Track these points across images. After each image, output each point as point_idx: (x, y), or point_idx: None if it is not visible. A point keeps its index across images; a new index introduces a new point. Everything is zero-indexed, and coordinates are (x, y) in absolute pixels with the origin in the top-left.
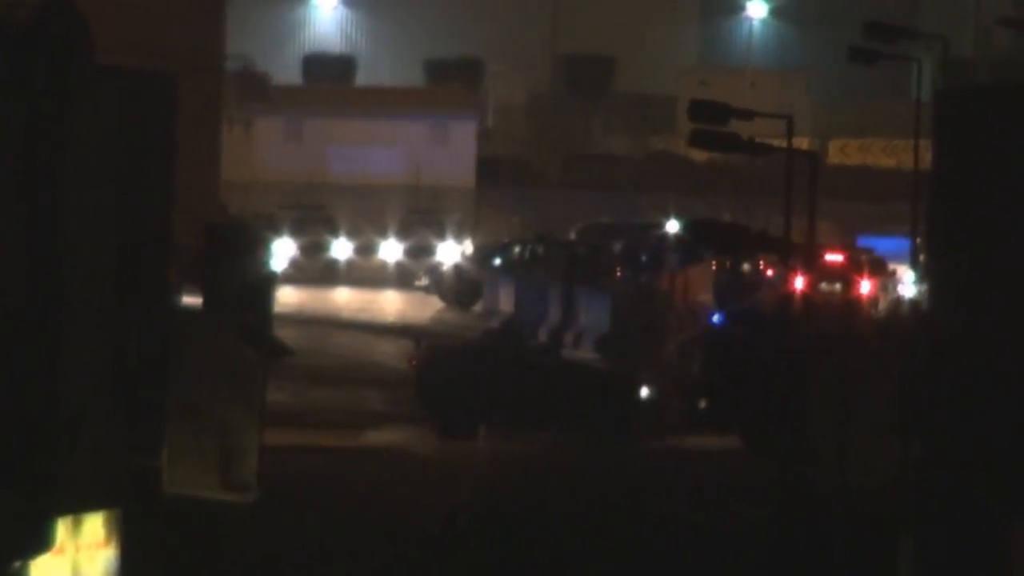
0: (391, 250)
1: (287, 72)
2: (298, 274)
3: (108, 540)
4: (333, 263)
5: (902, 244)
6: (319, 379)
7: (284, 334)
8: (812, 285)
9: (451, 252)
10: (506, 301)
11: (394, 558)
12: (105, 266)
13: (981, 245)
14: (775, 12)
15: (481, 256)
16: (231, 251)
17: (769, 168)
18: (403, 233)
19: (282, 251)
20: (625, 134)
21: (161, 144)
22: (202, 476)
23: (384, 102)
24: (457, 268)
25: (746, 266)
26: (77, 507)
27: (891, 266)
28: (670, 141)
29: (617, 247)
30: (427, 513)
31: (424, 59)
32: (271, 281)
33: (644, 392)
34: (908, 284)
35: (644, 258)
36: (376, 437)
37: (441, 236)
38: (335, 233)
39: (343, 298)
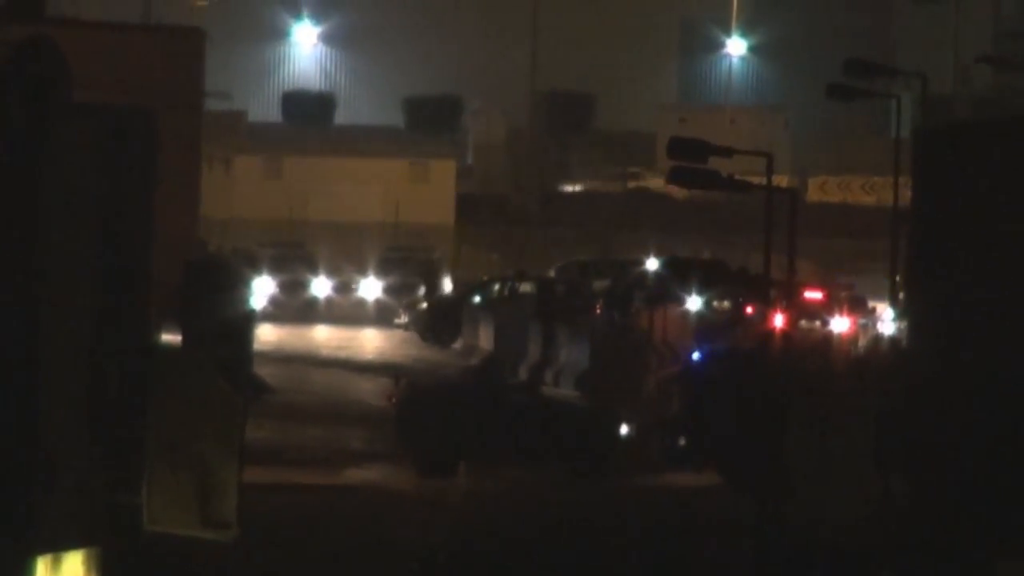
0: (370, 288)
1: (266, 110)
2: (277, 312)
3: None
4: (312, 301)
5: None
6: (299, 417)
7: (264, 372)
8: (791, 322)
9: (430, 290)
10: (485, 339)
11: None
12: (84, 303)
13: (960, 282)
14: (754, 49)
15: (460, 293)
16: (210, 288)
17: (748, 205)
18: (382, 271)
19: (262, 289)
20: (604, 171)
21: (140, 181)
22: (182, 514)
23: (364, 140)
24: (437, 306)
25: (725, 303)
26: (56, 545)
27: (871, 303)
28: (649, 178)
29: (597, 284)
30: (406, 551)
31: (403, 97)
32: (250, 319)
33: (624, 429)
34: (887, 321)
35: (624, 295)
36: (356, 475)
37: (421, 274)
38: (314, 271)
39: (322, 336)
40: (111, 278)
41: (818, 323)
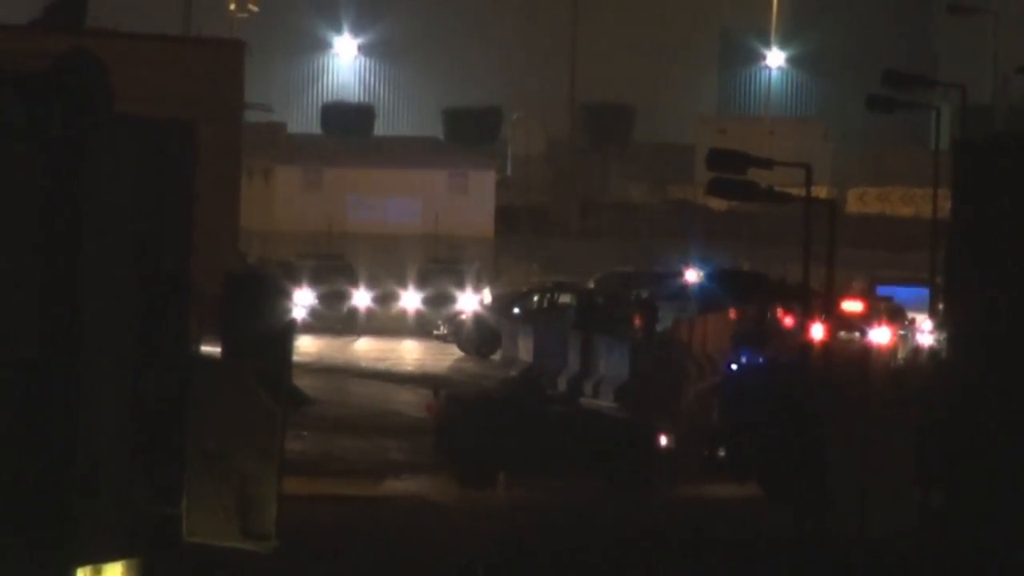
0: (410, 299)
1: (306, 121)
2: (317, 323)
3: None
4: (352, 312)
5: (921, 292)
6: (338, 428)
7: (303, 383)
8: (830, 333)
9: (470, 301)
10: (525, 350)
11: None
12: (124, 315)
13: (999, 293)
14: (793, 61)
15: (500, 305)
16: (250, 300)
17: (788, 216)
18: (422, 282)
19: (301, 300)
20: (644, 183)
21: (181, 193)
22: (222, 525)
23: (403, 152)
24: (476, 317)
25: (765, 315)
26: (97, 556)
27: (910, 314)
28: (688, 190)
29: (636, 295)
30: (446, 561)
31: (443, 108)
32: (290, 330)
33: (663, 440)
34: (927, 332)
35: (652, 306)
36: (395, 486)
37: (460, 285)
38: (354, 282)
39: (362, 347)
40: (151, 289)
41: (857, 334)
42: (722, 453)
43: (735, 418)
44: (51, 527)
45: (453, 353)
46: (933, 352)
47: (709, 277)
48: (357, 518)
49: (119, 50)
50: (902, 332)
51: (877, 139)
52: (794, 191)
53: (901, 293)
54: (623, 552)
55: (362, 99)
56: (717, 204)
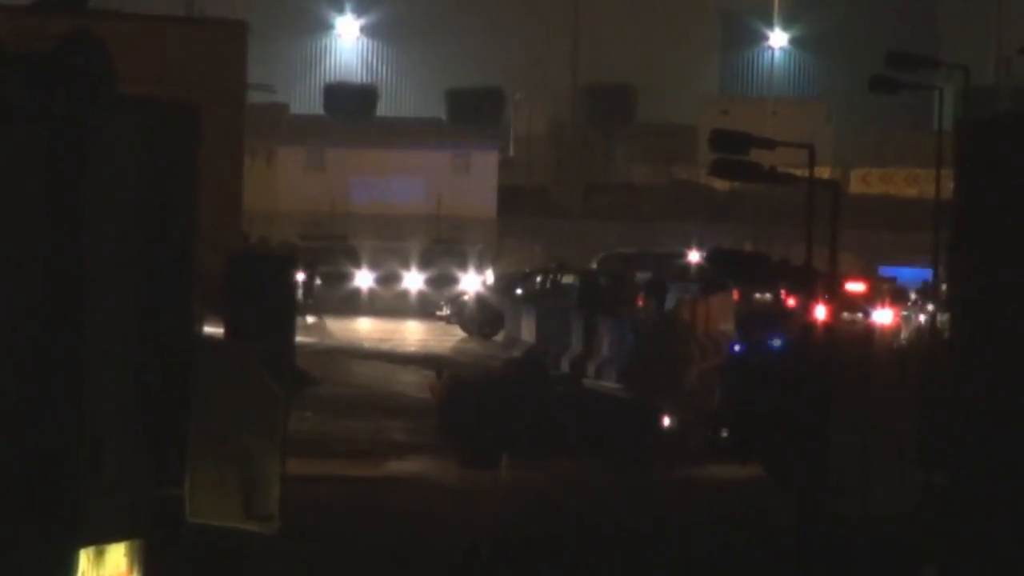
0: (413, 280)
1: (308, 102)
2: (320, 304)
3: (131, 570)
4: (355, 293)
5: (924, 273)
6: (341, 409)
7: (306, 364)
8: (833, 314)
9: (473, 282)
10: (528, 330)
11: None
12: (128, 296)
13: (1003, 274)
14: (796, 41)
15: (503, 286)
16: (253, 281)
17: (790, 197)
18: (425, 263)
19: (304, 281)
20: (646, 163)
21: (184, 174)
22: (224, 506)
23: (406, 132)
24: (479, 298)
25: (767, 295)
26: (100, 537)
27: (913, 295)
28: (691, 170)
29: (639, 276)
30: (449, 542)
31: (445, 89)
32: (293, 311)
33: (666, 421)
34: (930, 313)
35: (660, 287)
36: (398, 467)
37: (463, 266)
38: (357, 263)
39: (365, 328)
40: (155, 271)
41: (860, 315)
42: (725, 434)
43: (738, 399)
44: (54, 508)
45: (456, 334)
46: (936, 332)
47: (707, 258)
48: (360, 498)
49: (122, 31)
50: (905, 313)
51: (880, 120)
52: (797, 172)
53: (904, 274)
54: (625, 533)
55: (365, 80)
56: (720, 185)
